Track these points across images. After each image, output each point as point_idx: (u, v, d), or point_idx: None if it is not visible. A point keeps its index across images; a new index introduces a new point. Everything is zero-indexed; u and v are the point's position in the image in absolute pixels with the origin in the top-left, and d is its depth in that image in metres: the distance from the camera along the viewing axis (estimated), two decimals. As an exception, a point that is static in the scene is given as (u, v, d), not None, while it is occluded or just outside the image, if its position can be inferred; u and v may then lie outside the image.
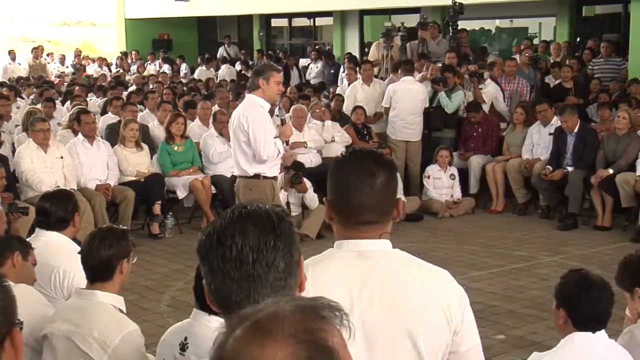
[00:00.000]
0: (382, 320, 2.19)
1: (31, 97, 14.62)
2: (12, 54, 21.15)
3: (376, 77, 12.15)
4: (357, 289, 2.19)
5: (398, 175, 2.34)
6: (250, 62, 19.55)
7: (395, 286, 2.21)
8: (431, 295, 2.20)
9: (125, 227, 3.82)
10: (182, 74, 20.07)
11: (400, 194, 9.97)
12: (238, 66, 19.46)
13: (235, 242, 1.74)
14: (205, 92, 14.45)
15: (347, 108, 11.66)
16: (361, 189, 2.24)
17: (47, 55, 22.67)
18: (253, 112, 6.25)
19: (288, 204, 8.95)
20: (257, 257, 1.74)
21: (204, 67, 19.62)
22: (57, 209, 4.50)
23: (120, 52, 22.97)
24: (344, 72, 14.51)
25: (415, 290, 2.20)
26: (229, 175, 9.52)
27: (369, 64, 12.19)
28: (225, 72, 19.02)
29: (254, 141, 6.23)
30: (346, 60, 15.74)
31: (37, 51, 21.08)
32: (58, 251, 4.29)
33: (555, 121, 10.04)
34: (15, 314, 1.57)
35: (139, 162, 9.52)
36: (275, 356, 1.25)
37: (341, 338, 1.31)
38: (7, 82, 16.44)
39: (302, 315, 1.30)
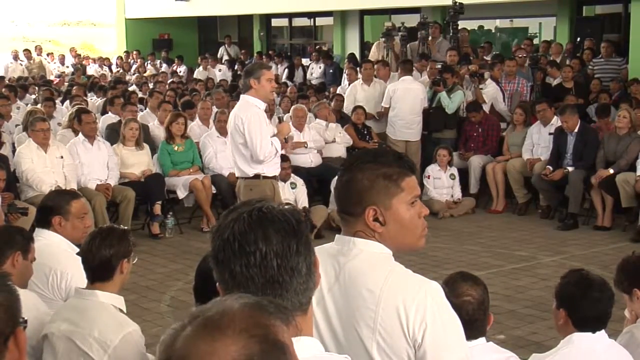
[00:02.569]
0: (342, 321, 2.20)
1: (32, 96, 14.65)
2: (14, 54, 21.27)
3: (376, 76, 12.14)
4: (328, 285, 2.23)
5: (380, 183, 2.23)
6: (247, 62, 19.59)
7: (355, 289, 2.19)
8: (387, 300, 2.13)
9: (125, 227, 3.80)
10: (180, 74, 20.05)
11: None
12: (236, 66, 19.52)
13: (259, 249, 1.73)
14: (205, 92, 14.45)
15: (347, 108, 11.66)
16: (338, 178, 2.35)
17: (47, 55, 22.71)
18: (248, 113, 6.23)
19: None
20: (282, 263, 1.74)
21: (201, 68, 19.63)
22: (40, 205, 4.49)
23: (125, 51, 23.00)
24: (345, 72, 14.52)
25: (371, 295, 2.15)
26: (227, 174, 9.53)
27: (370, 64, 12.17)
28: (223, 72, 19.08)
29: (251, 142, 6.21)
30: (347, 60, 15.74)
31: (28, 52, 21.24)
32: (56, 252, 4.26)
33: (556, 121, 10.04)
34: (20, 314, 1.57)
35: (139, 162, 9.52)
36: (228, 350, 1.26)
37: (289, 336, 1.32)
38: (8, 81, 16.45)
39: (251, 311, 1.31)
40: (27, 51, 21.42)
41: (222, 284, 1.79)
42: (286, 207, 1.83)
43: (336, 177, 2.36)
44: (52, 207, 4.40)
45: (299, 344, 1.68)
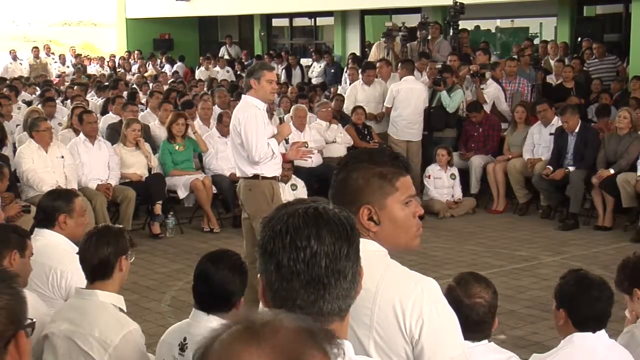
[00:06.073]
0: None
1: (33, 96, 14.66)
2: (13, 54, 21.28)
3: (377, 76, 12.11)
4: None
5: (374, 183, 2.25)
6: (247, 63, 19.59)
7: None
8: (383, 297, 2.13)
9: (121, 226, 3.83)
10: (170, 74, 20.02)
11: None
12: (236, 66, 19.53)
13: (311, 246, 1.72)
14: (203, 92, 14.44)
15: (347, 108, 11.65)
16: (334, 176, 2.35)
17: (51, 53, 22.69)
18: (246, 113, 6.23)
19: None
20: (330, 264, 1.73)
21: (203, 68, 19.63)
22: (43, 205, 4.49)
23: (127, 51, 23.04)
24: (346, 72, 14.51)
25: (367, 292, 2.12)
26: (229, 175, 9.54)
27: (373, 70, 12.02)
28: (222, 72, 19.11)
29: (246, 142, 6.21)
30: (350, 60, 15.72)
31: (37, 51, 21.23)
32: (56, 251, 4.28)
33: (556, 121, 10.04)
34: (24, 317, 1.55)
35: (138, 161, 9.52)
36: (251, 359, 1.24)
37: None
38: (8, 81, 16.45)
39: (297, 334, 1.28)
40: (35, 49, 21.42)
41: (264, 275, 1.78)
42: (342, 212, 1.81)
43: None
44: (58, 206, 4.44)
45: None
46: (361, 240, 2.20)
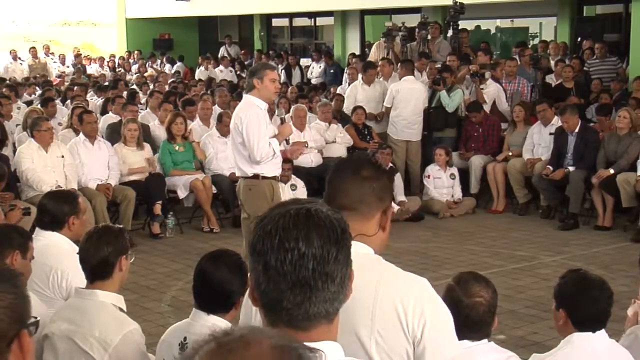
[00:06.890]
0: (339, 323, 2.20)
1: (33, 96, 14.66)
2: (13, 54, 21.28)
3: (378, 75, 12.09)
4: None
5: (395, 183, 2.44)
6: (247, 62, 19.56)
7: None
8: (383, 298, 2.15)
9: (121, 226, 3.83)
10: (171, 74, 20.02)
11: (401, 195, 10.03)
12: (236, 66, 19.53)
13: (299, 247, 1.71)
14: (203, 92, 14.44)
15: (347, 108, 11.64)
16: (343, 173, 2.36)
17: (50, 53, 22.70)
18: (248, 112, 6.23)
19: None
20: (317, 267, 1.72)
21: (202, 68, 19.63)
22: (52, 208, 4.49)
23: (127, 51, 23.06)
24: (347, 72, 14.50)
25: (366, 294, 2.14)
26: (229, 175, 9.54)
27: (374, 69, 12.01)
28: (226, 72, 19.10)
29: (248, 142, 6.21)
30: (351, 60, 15.68)
31: (35, 51, 21.27)
32: (56, 251, 4.29)
33: (556, 121, 10.04)
34: (27, 316, 1.55)
35: (139, 161, 9.52)
36: None
37: None
38: (9, 81, 16.45)
39: (268, 350, 1.26)
40: (33, 49, 21.45)
41: (253, 274, 1.78)
42: (335, 214, 1.80)
43: (342, 174, 2.38)
44: (68, 210, 4.45)
45: (320, 347, 1.67)
46: (354, 243, 2.21)
